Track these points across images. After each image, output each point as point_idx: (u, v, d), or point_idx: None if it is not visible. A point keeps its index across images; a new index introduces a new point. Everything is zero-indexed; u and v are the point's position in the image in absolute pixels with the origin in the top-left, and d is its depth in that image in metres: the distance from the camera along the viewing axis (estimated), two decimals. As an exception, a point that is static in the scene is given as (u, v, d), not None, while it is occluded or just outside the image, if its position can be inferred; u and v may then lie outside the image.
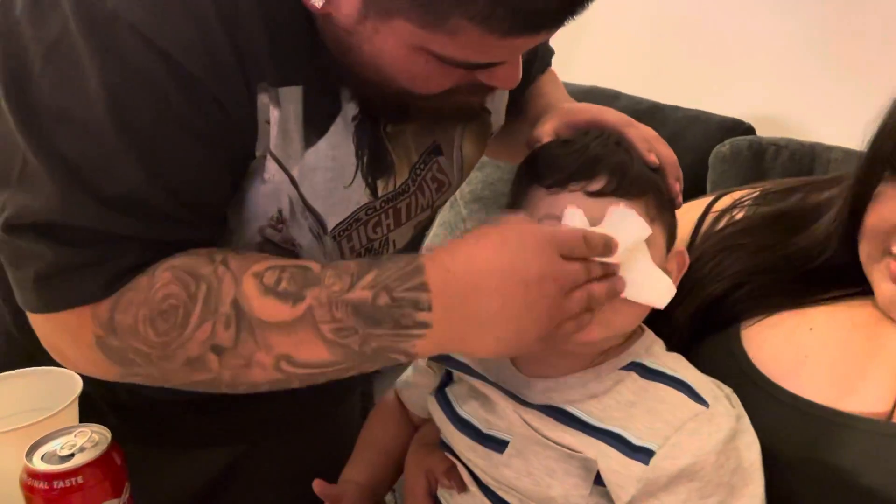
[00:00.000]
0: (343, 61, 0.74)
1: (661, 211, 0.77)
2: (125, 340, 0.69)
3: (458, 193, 1.73)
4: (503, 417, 0.77)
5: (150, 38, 0.65)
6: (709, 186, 1.67)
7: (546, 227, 0.71)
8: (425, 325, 0.67)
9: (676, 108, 1.83)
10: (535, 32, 0.68)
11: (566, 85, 1.99)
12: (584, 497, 0.73)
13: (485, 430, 0.78)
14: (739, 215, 0.91)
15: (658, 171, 0.79)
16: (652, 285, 0.73)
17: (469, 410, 0.80)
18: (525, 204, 0.77)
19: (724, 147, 1.67)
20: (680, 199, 0.81)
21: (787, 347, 0.81)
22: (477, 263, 0.67)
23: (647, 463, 0.70)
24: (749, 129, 1.75)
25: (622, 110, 2.06)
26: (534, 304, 0.66)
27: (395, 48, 0.69)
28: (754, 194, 0.93)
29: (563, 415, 0.75)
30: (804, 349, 0.81)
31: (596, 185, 0.74)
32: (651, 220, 0.75)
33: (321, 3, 0.69)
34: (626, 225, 0.72)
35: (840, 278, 0.83)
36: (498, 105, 0.94)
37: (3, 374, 0.85)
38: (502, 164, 1.77)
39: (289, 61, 0.73)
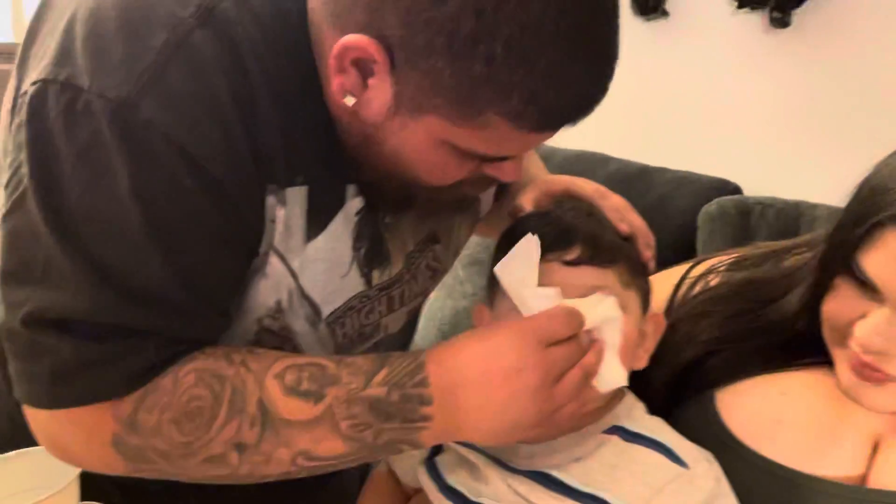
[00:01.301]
0: (358, 155, 0.76)
1: (635, 276, 0.80)
2: (146, 440, 0.70)
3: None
4: (490, 484, 0.79)
5: (181, 145, 0.66)
6: (699, 245, 1.69)
7: (528, 318, 0.72)
8: (428, 419, 0.70)
9: (665, 171, 1.85)
10: (555, 129, 0.71)
11: (558, 150, 2.02)
12: (569, 561, 0.73)
13: (473, 499, 0.79)
14: (714, 281, 0.93)
15: (629, 239, 0.83)
16: (607, 367, 0.73)
17: (457, 479, 0.81)
18: None
19: (711, 207, 1.69)
20: (652, 264, 0.84)
21: (760, 412, 0.82)
22: (462, 358, 0.71)
23: None
24: (736, 189, 1.78)
25: (612, 174, 2.08)
26: (517, 395, 0.69)
27: (420, 142, 0.71)
28: (729, 260, 0.95)
29: (548, 479, 0.76)
30: (778, 414, 0.81)
31: (571, 255, 0.77)
32: (625, 286, 0.78)
33: (352, 102, 0.70)
34: (601, 306, 0.74)
35: (813, 346, 0.83)
36: (487, 194, 0.98)
37: (3, 455, 0.86)
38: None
39: (299, 163, 0.74)
